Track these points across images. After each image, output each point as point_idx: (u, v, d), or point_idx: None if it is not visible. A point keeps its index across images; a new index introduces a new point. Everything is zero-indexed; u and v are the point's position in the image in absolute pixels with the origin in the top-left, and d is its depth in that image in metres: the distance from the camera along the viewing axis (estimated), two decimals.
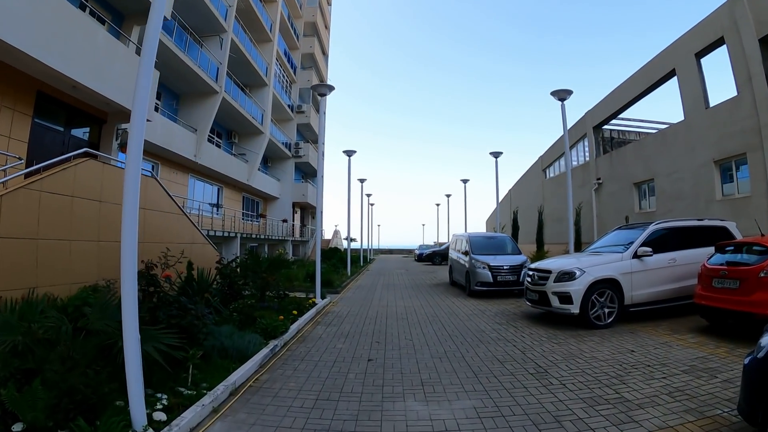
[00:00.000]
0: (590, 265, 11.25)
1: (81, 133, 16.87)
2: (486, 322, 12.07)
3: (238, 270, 12.77)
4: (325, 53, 54.50)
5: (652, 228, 11.94)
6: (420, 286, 21.66)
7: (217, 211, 30.97)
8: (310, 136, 46.43)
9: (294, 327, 10.46)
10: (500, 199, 53.90)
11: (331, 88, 15.32)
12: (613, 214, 28.86)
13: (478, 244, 18.67)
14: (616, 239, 13.13)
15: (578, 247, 27.73)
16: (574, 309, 10.79)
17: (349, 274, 24.73)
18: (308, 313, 12.43)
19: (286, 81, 43.16)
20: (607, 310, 10.92)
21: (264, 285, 13.28)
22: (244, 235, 27.46)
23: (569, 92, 17.30)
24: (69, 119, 15.45)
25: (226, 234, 24.61)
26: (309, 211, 51.11)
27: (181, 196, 24.39)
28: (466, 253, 18.52)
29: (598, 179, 30.95)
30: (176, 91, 26.90)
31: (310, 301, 14.16)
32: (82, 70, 12.90)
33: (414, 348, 9.15)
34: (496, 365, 7.79)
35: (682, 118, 23.47)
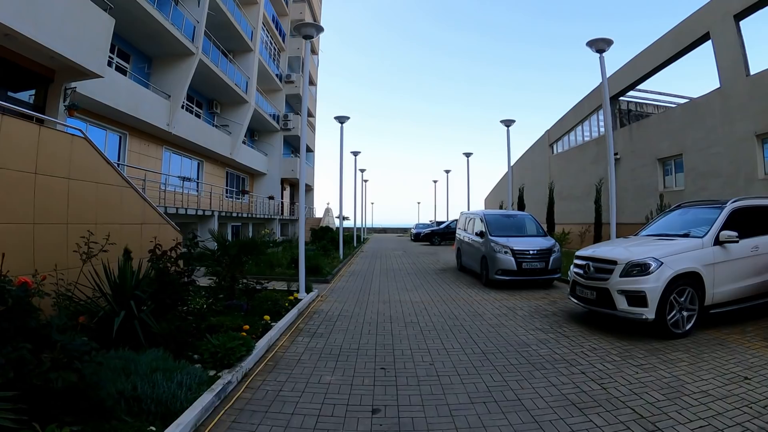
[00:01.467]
0: (667, 255, 8.24)
1: (27, 96, 14.27)
2: (523, 327, 8.99)
3: (191, 258, 9.56)
4: (316, 21, 50.76)
5: (730, 206, 9.03)
6: (424, 271, 18.55)
7: (197, 187, 27.74)
8: (300, 108, 42.97)
9: (263, 343, 7.21)
10: (503, 176, 51.45)
11: (319, 29, 12.03)
12: (633, 193, 25.80)
13: (495, 224, 15.56)
14: (678, 221, 10.30)
15: (598, 229, 24.97)
16: (649, 314, 7.81)
17: (341, 257, 21.54)
18: (287, 316, 9.18)
19: (275, 49, 39.59)
20: (686, 314, 8.01)
21: (229, 278, 10.15)
22: (224, 214, 24.18)
23: (608, 42, 14.20)
24: (8, 79, 12.89)
25: (201, 212, 21.34)
26: (299, 188, 47.53)
27: (154, 171, 21.16)
28: (480, 235, 15.43)
29: (616, 155, 27.76)
30: (148, 54, 23.56)
31: (292, 296, 10.95)
32: (8, 10, 10.20)
33: (440, 381, 5.99)
34: (578, 418, 4.77)
35: (718, 86, 20.41)
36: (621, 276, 8.31)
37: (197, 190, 27.17)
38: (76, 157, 9.12)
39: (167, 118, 22.62)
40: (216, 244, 10.98)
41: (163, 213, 13.09)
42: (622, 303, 8.19)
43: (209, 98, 30.28)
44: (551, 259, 14.10)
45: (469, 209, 35.57)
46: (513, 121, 22.47)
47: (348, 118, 21.02)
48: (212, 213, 21.86)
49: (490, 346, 7.67)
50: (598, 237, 24.37)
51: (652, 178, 25.07)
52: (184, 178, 20.87)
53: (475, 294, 13.00)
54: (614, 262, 8.54)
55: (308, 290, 12.01)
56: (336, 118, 20.98)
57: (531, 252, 13.94)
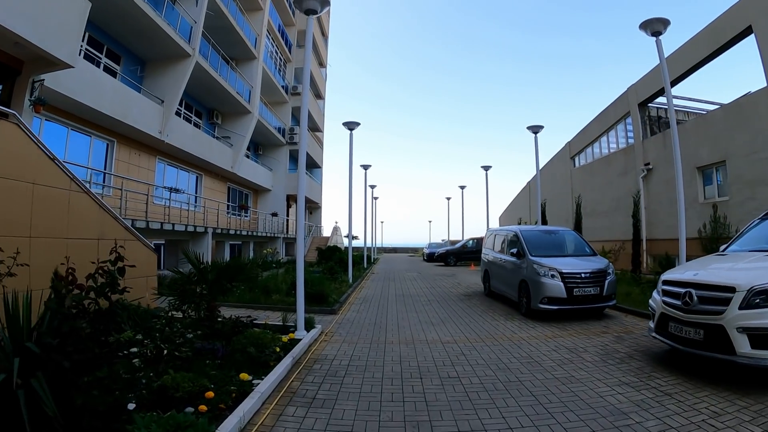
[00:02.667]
0: None
1: None
2: (603, 381, 6.43)
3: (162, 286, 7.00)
4: (324, 35, 48.60)
5: None
6: (446, 297, 15.80)
7: (195, 202, 25.26)
8: (308, 122, 40.59)
9: (231, 424, 4.48)
10: (519, 192, 48.84)
11: (324, 3, 9.47)
12: (668, 206, 22.99)
13: (535, 242, 12.87)
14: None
15: (637, 247, 22.31)
16: None
17: (350, 280, 18.85)
18: (277, 369, 6.41)
19: (280, 59, 37.27)
20: None
21: (205, 310, 7.57)
22: (220, 231, 21.63)
23: (665, 23, 11.75)
24: None
25: (192, 228, 18.77)
26: (307, 206, 45.04)
27: (134, 179, 18.69)
28: (517, 255, 12.74)
29: (647, 164, 25.10)
30: (141, 56, 21.38)
31: (287, 337, 8.14)
32: None
33: None
34: None
35: (764, 85, 17.87)
36: (741, 308, 5.86)
37: (194, 205, 24.73)
38: (2, 146, 6.65)
39: (159, 125, 20.38)
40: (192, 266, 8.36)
41: (134, 227, 10.60)
42: (743, 345, 5.77)
43: (209, 108, 27.94)
44: (606, 283, 11.40)
45: (488, 226, 32.98)
46: (541, 127, 20.00)
47: (358, 124, 18.49)
48: (205, 230, 19.28)
49: (571, 417, 5.06)
50: (637, 255, 21.65)
51: (690, 189, 22.23)
52: (171, 189, 18.30)
53: (517, 328, 10.31)
54: (731, 289, 6.03)
55: (309, 326, 9.27)
56: (345, 124, 18.48)
57: (583, 275, 11.27)
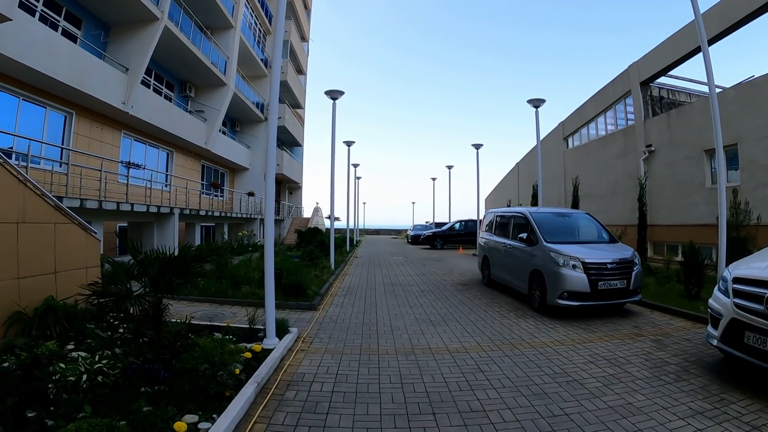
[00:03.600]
0: None
1: None
2: (675, 414, 4.76)
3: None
4: (307, 7, 46.08)
5: None
6: (441, 287, 14.06)
7: (167, 181, 23.24)
8: (288, 96, 38.22)
9: None
10: (506, 174, 47.14)
11: None
12: (671, 190, 21.47)
13: (548, 226, 11.13)
14: None
15: (642, 232, 20.78)
16: None
17: (332, 266, 17.03)
18: (232, 407, 4.46)
19: (260, 31, 34.94)
20: None
21: (147, 314, 5.80)
22: (190, 212, 19.61)
23: None
24: None
25: (155, 209, 16.71)
26: (286, 185, 43.05)
27: (99, 156, 16.64)
28: (527, 241, 11.02)
29: (648, 146, 23.48)
30: (105, 20, 19.20)
31: (249, 353, 6.03)
32: None
33: None
34: None
35: None
36: None
37: (165, 184, 22.73)
38: None
39: (123, 95, 18.31)
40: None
41: (83, 207, 8.71)
42: None
43: (181, 79, 25.76)
44: (633, 274, 9.76)
45: (479, 207, 31.26)
46: (542, 100, 18.33)
47: (342, 93, 16.56)
48: (171, 210, 17.28)
49: None
50: (643, 241, 20.12)
51: (696, 173, 20.77)
52: (129, 164, 16.20)
53: (535, 330, 8.62)
54: None
55: (282, 330, 7.43)
56: (328, 93, 16.54)
57: (609, 266, 9.62)
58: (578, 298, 9.42)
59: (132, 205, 14.99)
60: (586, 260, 9.51)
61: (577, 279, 9.38)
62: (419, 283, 14.66)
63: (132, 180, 18.58)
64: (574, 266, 9.49)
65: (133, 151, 21.77)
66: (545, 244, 10.33)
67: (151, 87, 22.65)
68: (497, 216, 14.03)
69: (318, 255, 16.37)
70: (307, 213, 46.19)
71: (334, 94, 16.55)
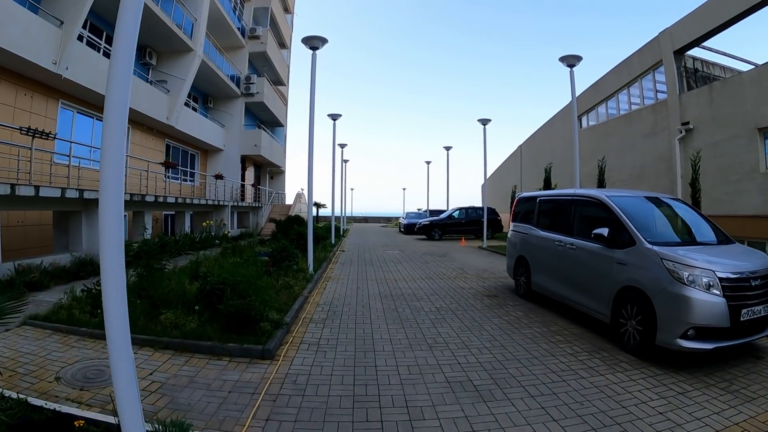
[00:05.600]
0: None
1: None
2: None
3: None
4: None
5: None
6: (461, 301, 9.81)
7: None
8: (268, 71, 33.80)
9: None
10: (507, 157, 43.11)
11: None
12: (714, 176, 17.57)
13: (642, 219, 7.02)
14: None
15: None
16: None
17: (310, 269, 12.39)
18: None
19: None
20: None
21: None
22: (139, 199, 15.23)
23: None
24: None
25: (75, 194, 12.37)
26: (266, 169, 38.70)
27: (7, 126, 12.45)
28: (609, 241, 6.93)
29: (685, 124, 19.57)
30: None
31: None
32: None
33: None
34: None
35: None
36: None
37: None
38: None
39: (55, 54, 14.20)
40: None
41: None
42: None
43: (140, 43, 21.31)
44: None
45: (484, 193, 27.16)
46: (579, 58, 14.49)
47: (323, 41, 12.34)
48: (99, 195, 13.05)
49: None
50: None
51: (747, 155, 16.96)
52: (34, 133, 11.74)
53: (664, 402, 4.63)
54: None
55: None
56: (305, 40, 12.33)
57: (752, 282, 5.69)
58: (712, 337, 5.51)
59: (37, 188, 10.69)
60: (723, 273, 5.55)
61: (712, 306, 5.44)
62: (429, 294, 10.50)
63: (57, 158, 14.44)
64: (708, 284, 5.51)
65: (76, 125, 17.56)
66: (649, 246, 6.28)
67: (101, 51, 18.43)
68: (541, 201, 9.89)
69: (293, 253, 12.13)
70: (289, 199, 41.69)
71: (313, 43, 12.30)
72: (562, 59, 14.65)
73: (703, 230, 7.43)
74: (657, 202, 7.92)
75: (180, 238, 17.31)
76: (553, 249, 8.73)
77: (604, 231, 7.00)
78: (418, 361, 5.95)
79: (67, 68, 14.67)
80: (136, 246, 14.43)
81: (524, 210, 10.66)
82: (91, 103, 17.67)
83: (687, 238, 7.10)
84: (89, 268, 12.12)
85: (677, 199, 8.42)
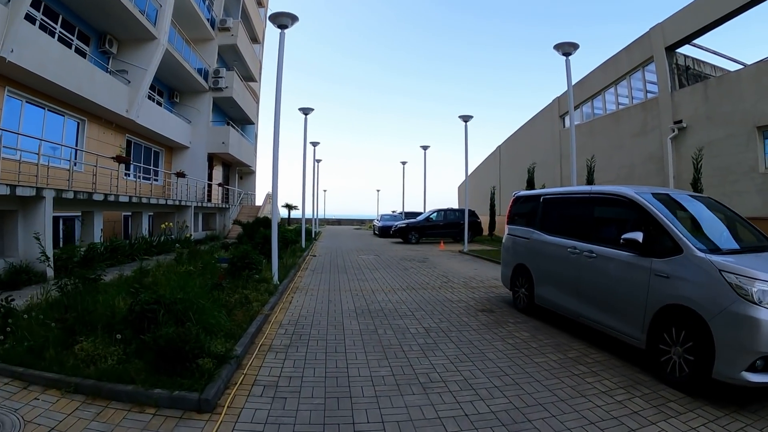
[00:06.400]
0: None
1: None
2: None
3: None
4: None
5: None
6: (451, 317, 8.26)
7: (76, 157, 17.26)
8: (238, 65, 31.88)
9: None
10: (485, 158, 41.73)
11: None
12: (710, 176, 16.41)
13: (684, 222, 5.65)
14: None
15: None
16: None
17: (275, 279, 10.63)
18: None
19: None
20: None
21: None
22: (84, 197, 13.35)
23: None
24: None
25: (5, 190, 10.57)
26: (235, 168, 36.73)
27: None
28: (644, 249, 5.50)
29: (678, 122, 18.43)
30: None
31: None
32: None
33: None
34: None
35: None
36: None
37: (74, 161, 16.76)
38: None
39: None
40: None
41: None
42: None
43: (99, 30, 19.57)
44: None
45: (466, 190, 25.64)
46: (575, 46, 13.17)
47: (296, 18, 10.75)
48: (37, 193, 11.11)
49: None
50: None
51: (745, 154, 15.92)
52: None
53: None
54: None
55: None
56: (272, 17, 10.72)
57: None
58: None
59: None
60: None
61: None
62: (413, 309, 8.93)
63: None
64: None
65: (25, 116, 15.75)
66: (702, 255, 4.86)
67: (56, 36, 16.67)
68: (547, 201, 8.41)
69: (256, 260, 10.46)
70: (260, 200, 39.69)
71: (281, 20, 10.59)
72: (557, 47, 13.31)
73: (748, 234, 6.08)
74: (693, 199, 6.54)
75: (135, 242, 15.54)
76: (563, 257, 7.26)
77: (638, 235, 5.55)
78: (410, 412, 4.35)
79: (12, 51, 13.00)
80: (83, 251, 12.74)
81: (524, 211, 9.17)
82: (42, 93, 15.91)
83: (742, 244, 5.73)
84: (24, 276, 10.41)
85: (706, 197, 7.01)
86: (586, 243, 6.82)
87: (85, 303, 6.34)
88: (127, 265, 12.96)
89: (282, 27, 10.89)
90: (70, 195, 12.50)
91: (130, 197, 15.75)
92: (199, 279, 8.97)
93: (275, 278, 10.48)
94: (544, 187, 19.94)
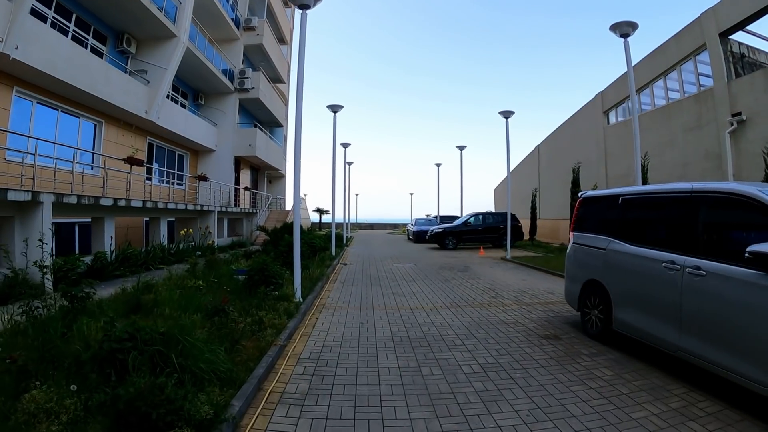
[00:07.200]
0: None
1: None
2: None
3: None
4: None
5: None
6: (511, 346, 6.69)
7: (92, 161, 16.20)
8: (265, 66, 30.68)
9: None
10: (523, 159, 39.90)
11: None
12: None
13: None
14: None
15: None
16: None
17: (297, 296, 9.10)
18: None
19: None
20: None
21: None
22: (80, 201, 11.94)
23: None
24: None
25: (12, 196, 9.40)
26: (264, 172, 35.57)
27: None
28: (758, 262, 3.98)
29: (736, 115, 16.56)
30: None
31: None
32: None
33: None
34: None
35: None
36: None
37: (90, 166, 15.75)
38: None
39: (1, 30, 11.52)
40: None
41: None
42: None
43: (116, 29, 18.50)
44: None
45: (509, 189, 23.70)
46: (634, 25, 11.54)
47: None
48: (33, 198, 9.86)
49: None
50: None
51: None
52: None
53: None
54: None
55: None
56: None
57: None
58: None
59: None
60: None
61: None
62: (462, 336, 7.29)
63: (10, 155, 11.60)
64: None
65: (36, 118, 14.69)
66: None
67: (69, 35, 15.62)
68: (628, 201, 6.70)
69: (276, 272, 8.97)
70: (290, 205, 38.34)
71: (303, 2, 9.35)
72: (614, 27, 11.69)
73: None
74: None
75: (151, 250, 14.27)
76: (656, 273, 5.61)
77: None
78: None
79: (17, 47, 11.93)
80: (88, 261, 11.50)
81: (595, 215, 7.49)
82: (55, 93, 14.88)
83: None
84: (18, 290, 9.15)
85: None
86: (690, 257, 5.18)
87: (50, 333, 4.97)
88: (140, 275, 11.71)
89: (303, 7, 9.45)
90: (74, 200, 11.24)
91: (144, 202, 14.45)
92: (210, 296, 7.58)
93: (297, 294, 8.94)
94: (596, 187, 18.16)
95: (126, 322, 4.68)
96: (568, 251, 8.02)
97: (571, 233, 7.98)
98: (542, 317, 8.55)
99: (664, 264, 5.52)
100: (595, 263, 7.11)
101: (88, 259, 11.63)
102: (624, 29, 11.65)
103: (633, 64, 23.14)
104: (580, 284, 7.47)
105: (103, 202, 12.36)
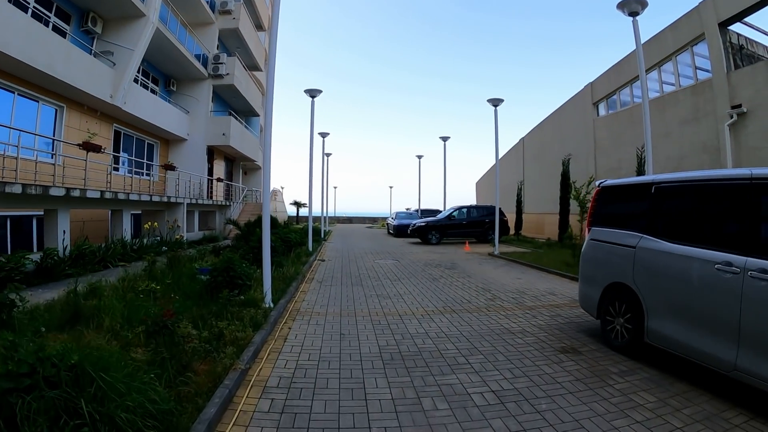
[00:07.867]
0: None
1: None
2: None
3: None
4: None
5: None
6: (522, 357, 5.73)
7: (52, 149, 14.81)
8: (241, 52, 29.09)
9: None
10: (508, 150, 38.93)
11: None
12: None
13: None
14: None
15: None
16: None
17: (267, 301, 7.63)
18: None
19: None
20: None
21: None
22: (33, 191, 10.61)
23: None
24: None
25: None
26: (238, 163, 34.19)
27: None
28: None
29: (736, 107, 15.77)
30: None
31: None
32: None
33: None
34: None
35: None
36: None
37: (49, 153, 14.41)
38: None
39: None
40: None
41: None
42: None
43: (81, 7, 17.04)
44: None
45: (497, 181, 22.42)
46: (644, 3, 10.50)
47: None
48: None
49: None
50: None
51: None
52: None
53: None
54: None
55: None
56: None
57: None
58: None
59: None
60: None
61: None
62: (465, 351, 6.07)
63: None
64: None
65: None
66: None
67: (29, 12, 14.21)
68: (663, 190, 5.59)
69: (243, 272, 7.70)
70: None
71: None
72: (622, 6, 10.64)
73: None
74: None
75: (111, 246, 12.92)
76: (705, 277, 4.53)
77: None
78: None
79: None
80: (35, 260, 10.20)
81: (620, 207, 6.44)
82: (9, 74, 13.53)
83: None
84: None
85: None
86: (753, 257, 4.15)
87: None
88: (95, 274, 10.42)
89: None
90: (18, 189, 9.88)
91: (102, 192, 13.07)
92: (159, 305, 6.38)
93: (267, 298, 7.62)
94: (592, 180, 17.15)
95: (32, 346, 3.47)
96: (584, 248, 6.84)
97: (588, 228, 6.85)
98: (551, 324, 7.41)
99: (717, 266, 4.45)
100: (620, 263, 5.96)
101: (36, 257, 10.33)
102: (633, 7, 10.63)
103: (624, 56, 22.52)
104: (601, 288, 6.32)
105: (54, 192, 10.95)
